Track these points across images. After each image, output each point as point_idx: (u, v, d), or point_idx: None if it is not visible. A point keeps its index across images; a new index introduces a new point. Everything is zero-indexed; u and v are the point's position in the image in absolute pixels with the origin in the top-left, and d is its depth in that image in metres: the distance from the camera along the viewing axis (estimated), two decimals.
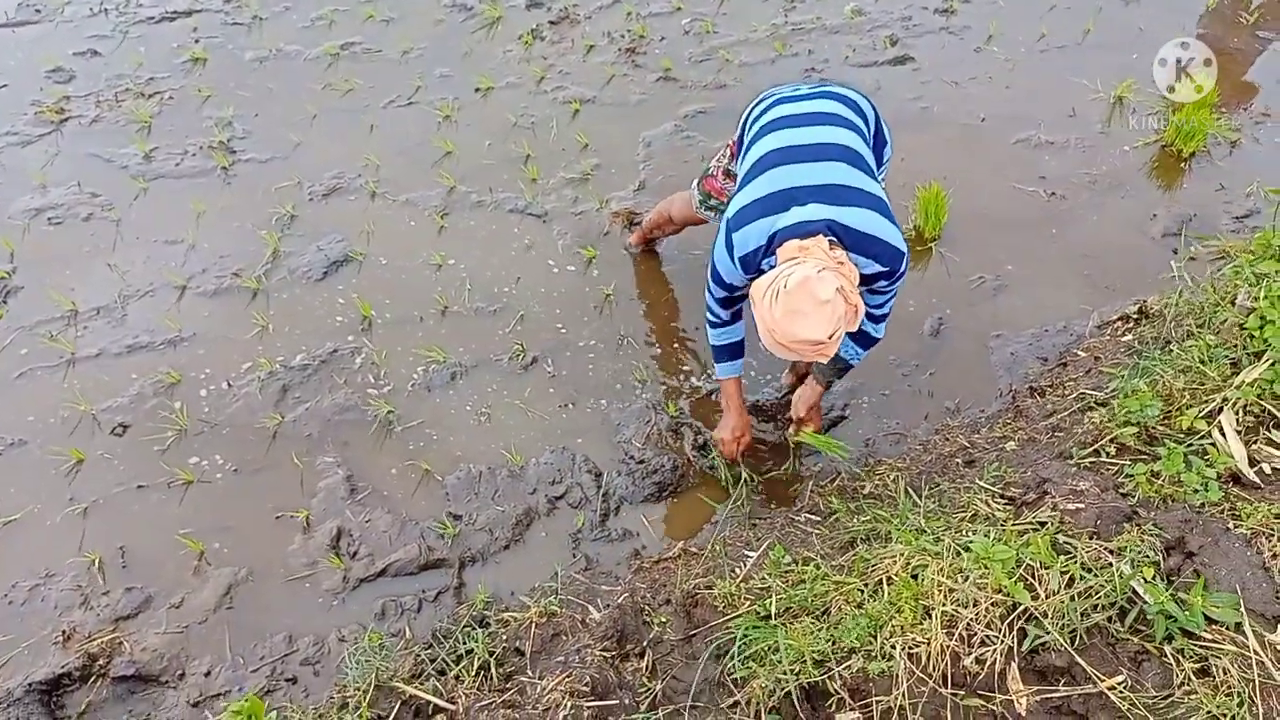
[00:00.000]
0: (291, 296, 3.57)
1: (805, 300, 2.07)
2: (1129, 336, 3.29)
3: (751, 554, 2.69)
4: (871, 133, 2.61)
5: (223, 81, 4.49)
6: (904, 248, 2.30)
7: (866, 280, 2.35)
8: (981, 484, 2.57)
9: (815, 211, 2.24)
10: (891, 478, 2.90)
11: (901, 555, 2.29)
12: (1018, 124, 4.45)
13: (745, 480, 2.99)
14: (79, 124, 4.28)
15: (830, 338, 2.10)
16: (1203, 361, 2.60)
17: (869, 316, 2.53)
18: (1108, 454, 2.49)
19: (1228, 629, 1.97)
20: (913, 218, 3.88)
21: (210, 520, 2.91)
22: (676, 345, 3.47)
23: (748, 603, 2.38)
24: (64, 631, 2.64)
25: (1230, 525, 2.16)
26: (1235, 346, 2.61)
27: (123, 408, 3.19)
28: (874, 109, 2.65)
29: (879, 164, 2.64)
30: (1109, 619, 2.05)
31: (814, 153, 2.38)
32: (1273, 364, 2.47)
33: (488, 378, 3.34)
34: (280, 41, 4.73)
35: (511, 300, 3.58)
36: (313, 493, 2.98)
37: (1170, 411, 2.55)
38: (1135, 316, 3.41)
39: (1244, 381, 2.48)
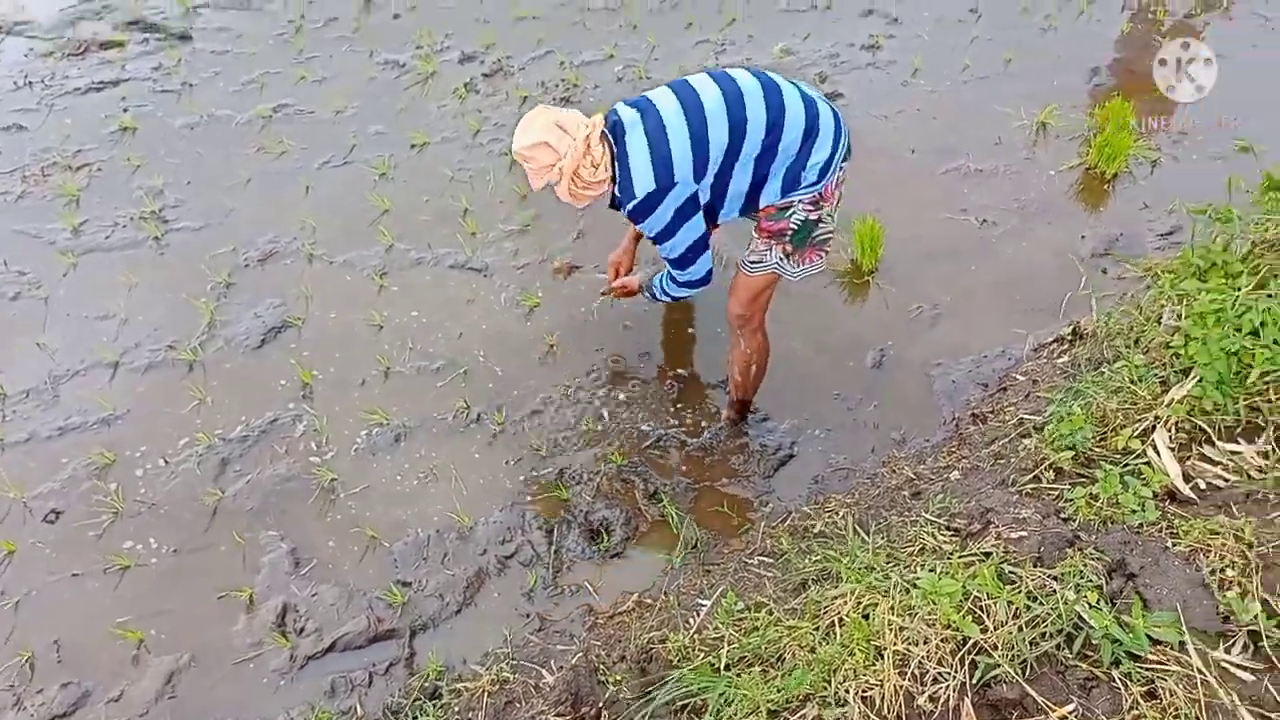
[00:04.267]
0: (229, 366, 3.51)
1: (528, 122, 2.57)
2: (1064, 358, 3.35)
3: (705, 602, 2.67)
4: (786, 141, 2.68)
5: (153, 150, 4.44)
6: (636, 191, 2.61)
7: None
8: (927, 516, 2.58)
9: (632, 115, 2.64)
10: (841, 514, 2.91)
11: (852, 595, 2.28)
12: (946, 154, 4.55)
13: (696, 526, 2.98)
14: (4, 200, 4.20)
15: (526, 164, 2.61)
16: (1133, 381, 2.65)
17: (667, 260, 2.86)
18: (1047, 479, 2.52)
19: (1172, 649, 1.98)
20: (850, 252, 3.93)
21: (149, 606, 2.82)
22: (622, 393, 3.46)
23: (702, 654, 2.36)
24: None
25: (1169, 544, 2.19)
26: (1164, 365, 2.66)
27: (55, 493, 3.10)
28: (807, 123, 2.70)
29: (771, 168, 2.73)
30: (1057, 646, 2.06)
31: (724, 84, 2.66)
32: (1199, 381, 2.52)
33: (432, 437, 3.31)
34: (211, 107, 4.70)
35: (454, 357, 3.56)
36: (256, 569, 2.91)
37: (1105, 432, 2.59)
38: (1069, 338, 3.47)
39: (1173, 399, 2.53)
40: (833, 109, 2.80)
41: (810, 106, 2.71)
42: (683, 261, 2.82)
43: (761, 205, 2.81)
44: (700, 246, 2.80)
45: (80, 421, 3.30)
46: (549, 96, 4.84)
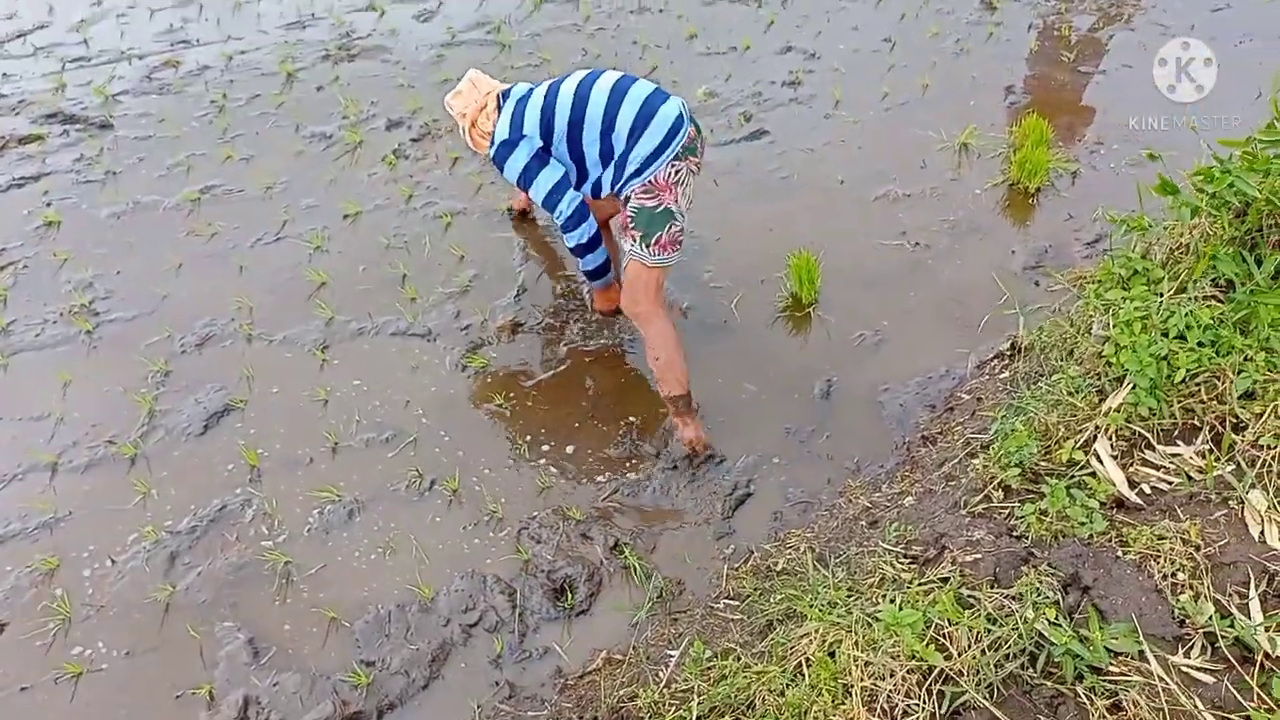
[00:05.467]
0: (172, 457, 3.44)
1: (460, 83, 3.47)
2: (1006, 374, 3.41)
3: (674, 652, 2.65)
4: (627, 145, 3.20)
5: (80, 242, 4.37)
6: (495, 139, 3.33)
7: None
8: (885, 545, 2.59)
9: (521, 88, 3.38)
10: (801, 549, 2.91)
11: (816, 633, 2.28)
12: (874, 182, 4.64)
13: (660, 575, 2.96)
14: None
15: (449, 110, 3.47)
16: (1071, 393, 2.71)
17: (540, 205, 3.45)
18: (997, 498, 2.55)
19: (1132, 658, 2.00)
20: (789, 286, 3.98)
21: (104, 713, 2.72)
22: (576, 447, 3.45)
23: (673, 708, 2.33)
24: None
25: (1119, 553, 2.23)
26: (1098, 374, 2.72)
27: None
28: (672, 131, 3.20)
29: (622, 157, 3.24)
30: (1022, 666, 2.08)
31: (588, 77, 3.29)
32: (1133, 387, 2.58)
33: (387, 509, 3.26)
34: (137, 194, 4.64)
35: (403, 425, 3.52)
36: (214, 663, 2.83)
37: (1049, 446, 2.64)
38: (1009, 353, 3.53)
39: (1110, 408, 2.59)
40: (681, 109, 3.22)
41: (648, 103, 3.18)
42: (549, 202, 3.37)
43: (605, 194, 3.39)
44: (561, 186, 3.33)
45: (20, 528, 3.20)
46: (479, 156, 4.84)
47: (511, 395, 3.62)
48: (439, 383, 3.69)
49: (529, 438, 3.47)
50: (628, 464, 3.38)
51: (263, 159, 4.88)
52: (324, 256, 4.29)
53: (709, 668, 2.43)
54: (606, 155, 3.27)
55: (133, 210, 4.56)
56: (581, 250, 3.53)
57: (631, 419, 3.53)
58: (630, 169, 3.20)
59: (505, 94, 3.38)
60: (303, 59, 5.69)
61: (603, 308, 3.88)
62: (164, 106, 5.26)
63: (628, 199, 3.26)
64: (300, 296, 4.07)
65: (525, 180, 3.33)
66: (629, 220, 3.26)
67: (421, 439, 3.48)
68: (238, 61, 5.66)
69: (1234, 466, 2.39)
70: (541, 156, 3.30)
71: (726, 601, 2.86)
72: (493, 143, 3.35)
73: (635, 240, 3.25)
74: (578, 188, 3.42)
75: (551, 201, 3.36)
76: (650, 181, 3.18)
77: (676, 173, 3.20)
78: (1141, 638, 2.00)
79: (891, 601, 2.25)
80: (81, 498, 3.31)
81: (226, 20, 6.12)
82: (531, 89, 3.36)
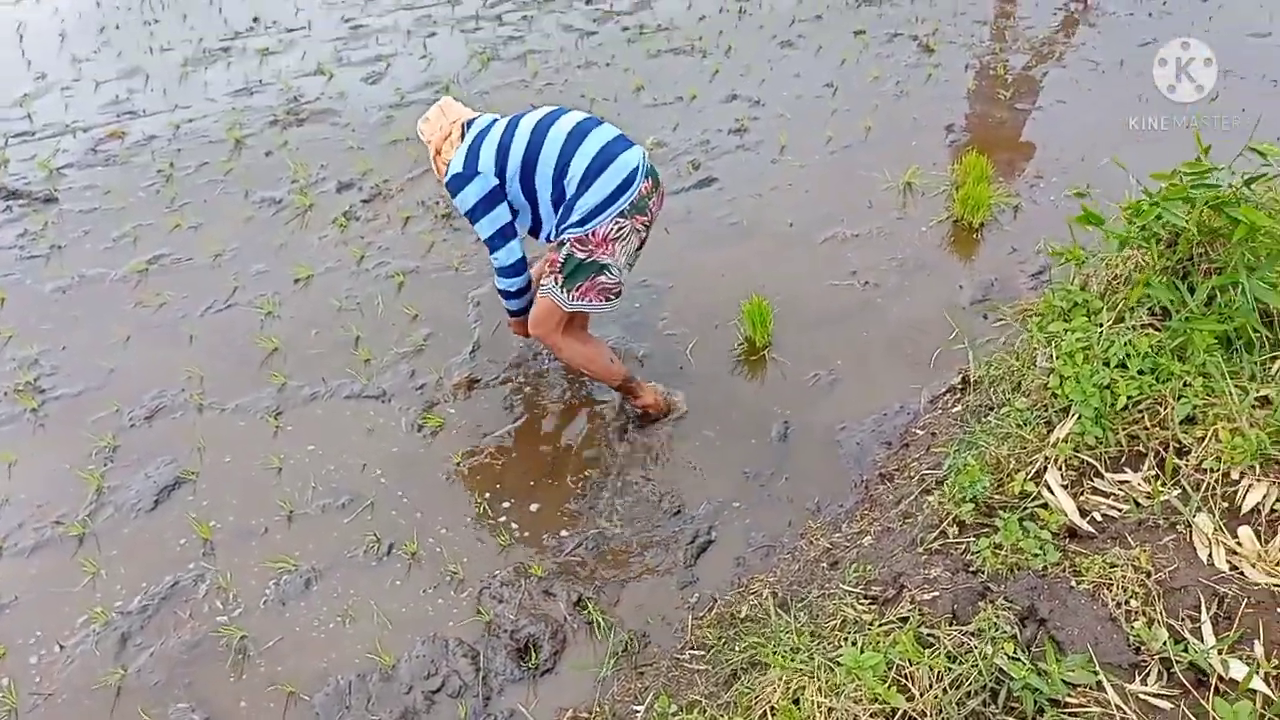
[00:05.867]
0: (122, 534, 3.36)
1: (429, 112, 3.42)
2: (958, 408, 3.44)
3: (639, 708, 2.62)
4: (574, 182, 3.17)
5: (24, 319, 4.31)
6: (451, 170, 3.24)
7: None
8: (845, 587, 2.59)
9: (484, 120, 3.35)
10: (764, 595, 2.90)
11: (780, 681, 2.26)
12: (823, 224, 4.72)
13: (624, 629, 2.93)
14: None
15: (420, 135, 3.42)
16: (1019, 426, 2.74)
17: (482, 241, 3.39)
18: (953, 534, 2.57)
19: (1090, 689, 2.01)
20: (743, 330, 4.01)
21: None
22: (536, 503, 3.42)
23: None
24: None
25: (1074, 583, 2.24)
26: (1045, 406, 2.76)
27: None
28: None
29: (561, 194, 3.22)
30: (984, 703, 2.07)
31: (549, 116, 3.26)
32: (1079, 418, 2.61)
33: (345, 576, 3.20)
34: (82, 267, 4.60)
35: (359, 490, 3.48)
36: None
37: (1002, 479, 2.66)
38: (960, 387, 3.58)
39: (1058, 439, 2.62)
40: (640, 160, 3.20)
41: (606, 149, 3.15)
42: (491, 245, 3.32)
43: (544, 232, 3.37)
44: (505, 234, 3.29)
45: None
46: (430, 214, 4.89)
47: (469, 453, 3.59)
48: (395, 444, 3.66)
49: (488, 495, 3.44)
50: (587, 518, 3.36)
51: (211, 226, 4.86)
52: (275, 322, 4.26)
53: None
54: (558, 200, 3.23)
55: (78, 284, 4.52)
56: (507, 295, 3.50)
57: (590, 472, 3.52)
58: (573, 217, 3.16)
59: (469, 123, 3.35)
60: (251, 125, 5.70)
61: (517, 331, 3.78)
62: (109, 178, 5.24)
63: (563, 242, 3.23)
64: (252, 364, 4.03)
65: (472, 217, 3.28)
66: (557, 262, 3.25)
67: (379, 502, 3.43)
68: (185, 130, 5.66)
69: (1180, 491, 2.42)
70: (491, 197, 3.23)
71: (691, 652, 2.83)
72: (446, 171, 3.29)
73: (556, 281, 3.26)
74: (534, 233, 3.41)
75: (492, 245, 3.32)
76: (589, 234, 3.16)
77: (619, 229, 3.17)
78: (1098, 667, 2.01)
79: (853, 644, 2.24)
80: (28, 582, 3.22)
81: (173, 90, 6.14)
82: (494, 121, 3.33)
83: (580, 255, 3.20)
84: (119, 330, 4.22)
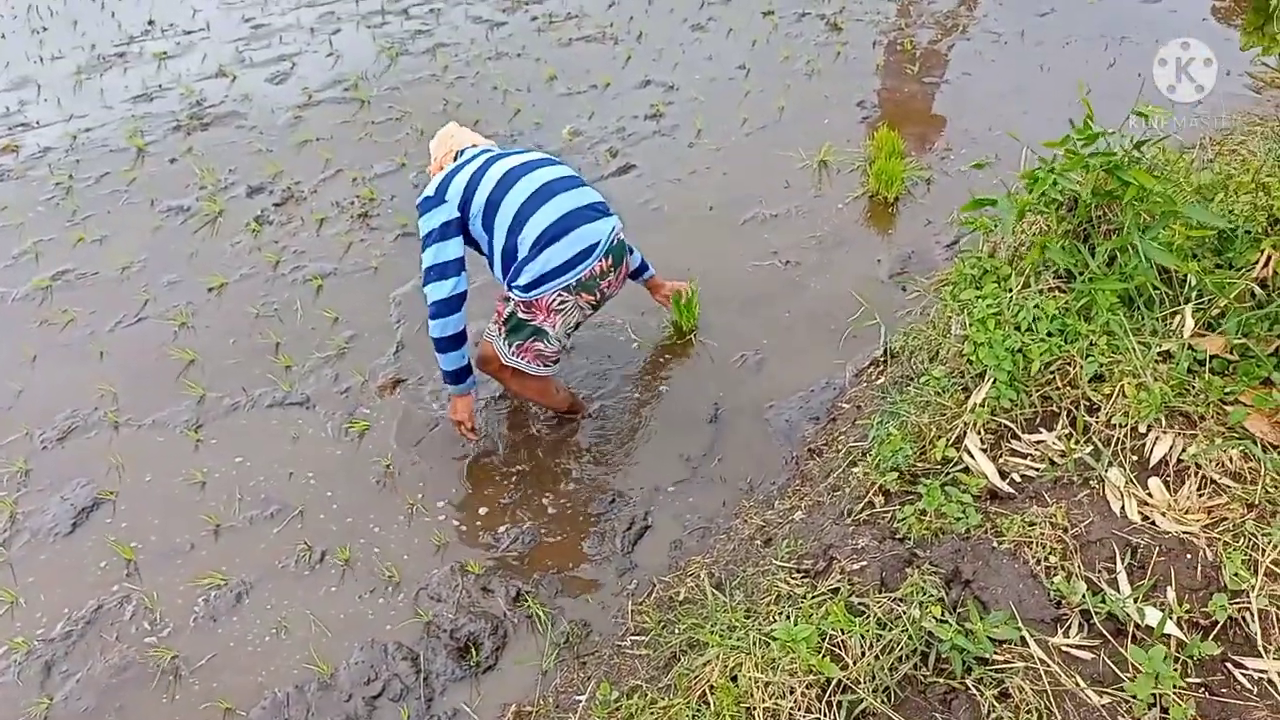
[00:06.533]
0: (40, 560, 3.25)
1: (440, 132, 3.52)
2: (882, 380, 3.51)
3: (581, 697, 2.62)
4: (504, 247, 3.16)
5: None
6: (424, 192, 3.21)
7: None
8: (778, 563, 2.63)
9: (473, 152, 3.34)
10: (701, 576, 2.92)
11: (718, 659, 2.29)
12: (742, 205, 4.75)
13: (565, 620, 2.93)
14: None
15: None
16: (938, 394, 2.81)
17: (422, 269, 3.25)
18: (879, 503, 2.62)
19: (1015, 645, 2.07)
20: (669, 316, 4.02)
21: None
22: (468, 498, 3.40)
23: None
24: None
25: (995, 544, 2.31)
26: (961, 373, 2.83)
27: None
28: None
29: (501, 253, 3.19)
30: (915, 667, 2.13)
31: (524, 168, 3.19)
32: (994, 382, 2.69)
33: (276, 588, 3.14)
34: None
35: (287, 498, 3.41)
36: None
37: (924, 447, 2.72)
38: (884, 359, 3.65)
39: (975, 404, 2.69)
40: (603, 237, 3.11)
41: (568, 218, 3.06)
42: (427, 274, 3.16)
43: (495, 273, 3.27)
44: (444, 270, 3.12)
45: None
46: (346, 215, 4.80)
47: (398, 454, 3.55)
48: (322, 450, 3.59)
49: (420, 495, 3.41)
50: (521, 512, 3.35)
51: (117, 238, 4.70)
52: (190, 333, 4.14)
53: (615, 709, 2.42)
54: (508, 252, 3.12)
55: None
56: (441, 345, 3.23)
57: (522, 466, 3.51)
58: (521, 279, 3.07)
59: (461, 151, 3.37)
60: (153, 132, 5.52)
61: (458, 414, 3.49)
62: (5, 194, 5.03)
63: (508, 298, 3.17)
64: (168, 377, 3.92)
65: (424, 243, 3.14)
66: (503, 314, 3.20)
67: (308, 510, 3.37)
68: (83, 140, 5.46)
69: (1092, 448, 2.51)
70: (445, 228, 3.11)
71: (632, 638, 2.85)
72: (421, 195, 3.23)
73: (500, 332, 3.23)
74: (490, 265, 3.28)
75: (428, 278, 3.12)
76: (532, 302, 3.11)
77: (562, 302, 3.12)
78: (1020, 624, 2.08)
79: (787, 618, 2.28)
80: None
81: (67, 99, 5.91)
82: (481, 153, 3.30)
83: (523, 315, 3.15)
84: (25, 350, 4.06)
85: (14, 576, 3.21)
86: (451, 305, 3.15)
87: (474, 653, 2.93)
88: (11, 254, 4.61)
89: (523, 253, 3.07)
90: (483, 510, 3.36)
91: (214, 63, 6.31)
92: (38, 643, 3.00)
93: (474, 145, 3.40)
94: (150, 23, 6.95)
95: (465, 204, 3.15)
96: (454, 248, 3.13)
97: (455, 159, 3.35)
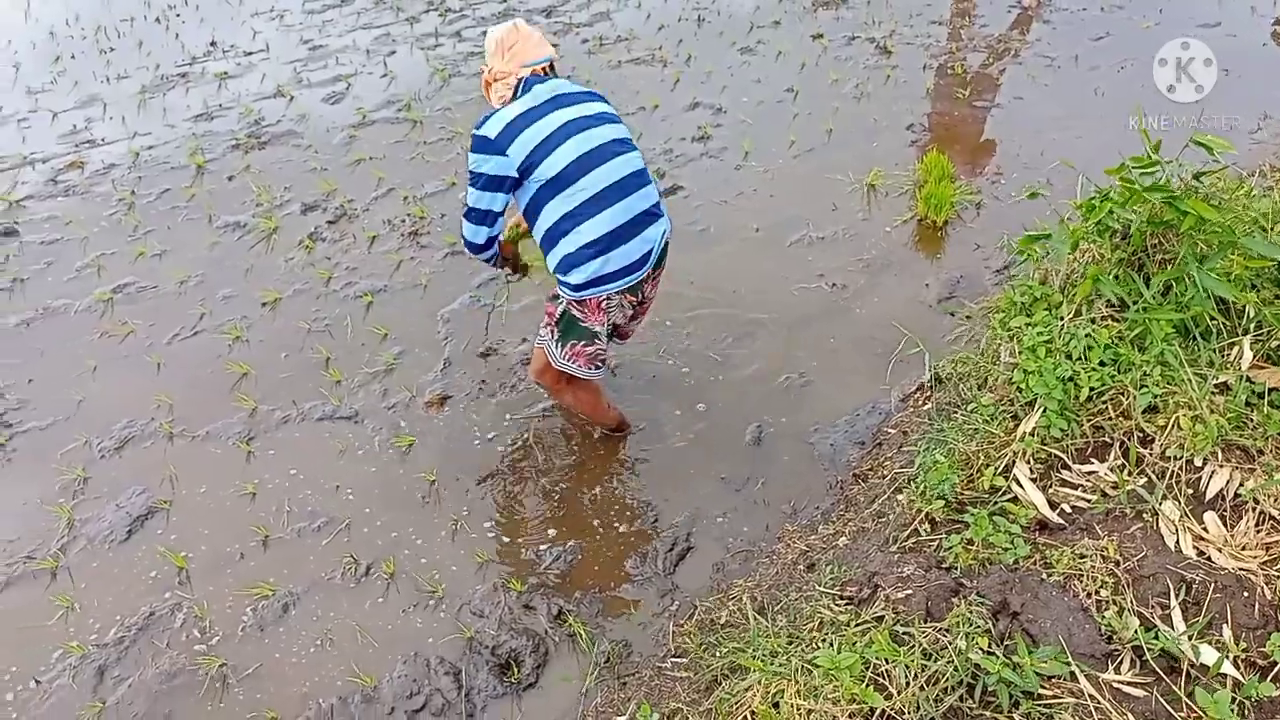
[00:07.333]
0: (95, 566, 3.33)
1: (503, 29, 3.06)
2: (929, 405, 3.48)
3: (621, 718, 2.62)
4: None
5: None
6: (479, 129, 2.95)
7: None
8: (821, 589, 2.61)
9: (543, 92, 3.00)
10: (743, 600, 2.91)
11: (759, 685, 2.28)
12: (789, 227, 4.75)
13: (606, 640, 2.94)
14: None
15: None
16: (986, 421, 2.77)
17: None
18: (925, 531, 2.59)
19: (1064, 680, 2.04)
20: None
21: None
22: (511, 515, 3.42)
23: None
24: None
25: (1044, 575, 2.27)
26: (1011, 401, 2.80)
27: None
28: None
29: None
30: (960, 699, 2.09)
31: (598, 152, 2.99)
32: (1044, 410, 2.65)
33: (323, 599, 3.19)
34: (46, 299, 4.55)
35: (334, 511, 3.46)
36: None
37: (971, 475, 2.69)
38: (930, 384, 3.61)
39: (1025, 432, 2.66)
40: (657, 241, 3.10)
41: (635, 224, 3.01)
42: (467, 213, 3.09)
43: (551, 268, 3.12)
44: (482, 216, 3.07)
45: None
46: (397, 233, 4.88)
47: (444, 470, 3.59)
48: (369, 464, 3.64)
49: (465, 512, 3.44)
50: (563, 530, 3.36)
51: (176, 253, 4.83)
52: (244, 347, 4.23)
53: None
54: (554, 233, 3.01)
55: (42, 316, 4.46)
56: (474, 251, 3.25)
57: (565, 485, 3.52)
58: (574, 277, 3.02)
59: (526, 83, 3.01)
60: (212, 150, 5.67)
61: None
62: (70, 208, 5.19)
63: (558, 296, 3.14)
64: (222, 389, 4.01)
65: (471, 182, 3.01)
66: (554, 314, 3.18)
67: (354, 523, 3.42)
68: (145, 157, 5.62)
69: (1145, 479, 2.47)
70: (499, 182, 2.97)
71: (673, 660, 2.84)
72: (481, 123, 2.97)
73: (552, 334, 3.21)
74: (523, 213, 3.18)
75: (468, 215, 3.08)
76: (585, 300, 3.09)
77: (609, 301, 3.13)
78: (1070, 658, 2.04)
79: (830, 645, 2.26)
80: (1, 618, 3.18)
81: (131, 117, 6.09)
82: (545, 103, 2.97)
83: (577, 315, 3.14)
84: (86, 361, 4.18)
85: (71, 582, 3.29)
86: (486, 247, 3.20)
87: (515, 669, 2.94)
88: (75, 267, 4.76)
89: (577, 244, 2.97)
90: (525, 528, 3.38)
91: (272, 83, 6.47)
92: (92, 648, 3.07)
93: (532, 70, 3.03)
94: (212, 44, 7.16)
95: (528, 169, 2.94)
96: (500, 201, 3.04)
97: (519, 90, 3.02)
